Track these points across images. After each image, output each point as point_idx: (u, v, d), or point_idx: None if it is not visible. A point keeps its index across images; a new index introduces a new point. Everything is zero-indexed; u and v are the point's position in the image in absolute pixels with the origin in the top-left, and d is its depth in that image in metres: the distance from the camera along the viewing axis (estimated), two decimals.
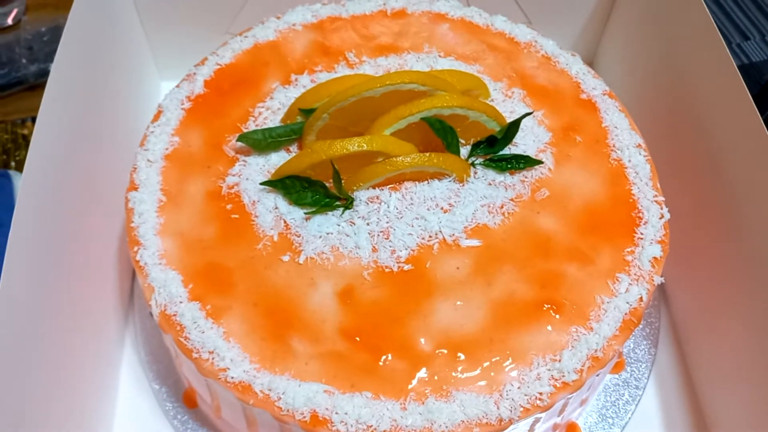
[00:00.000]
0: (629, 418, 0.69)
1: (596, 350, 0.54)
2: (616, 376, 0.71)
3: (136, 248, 0.58)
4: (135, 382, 0.70)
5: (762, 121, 0.61)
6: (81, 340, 0.64)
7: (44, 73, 0.94)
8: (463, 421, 0.51)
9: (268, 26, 0.73)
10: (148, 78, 0.91)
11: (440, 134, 0.61)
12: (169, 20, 0.88)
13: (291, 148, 0.64)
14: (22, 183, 0.54)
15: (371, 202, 0.60)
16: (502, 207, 0.61)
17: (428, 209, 0.60)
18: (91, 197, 0.68)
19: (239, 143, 0.63)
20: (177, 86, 0.68)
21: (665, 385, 0.73)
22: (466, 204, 0.60)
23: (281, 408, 0.51)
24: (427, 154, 0.60)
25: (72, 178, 0.64)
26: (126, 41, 0.83)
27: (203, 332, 0.54)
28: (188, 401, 0.68)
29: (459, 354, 0.54)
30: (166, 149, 0.64)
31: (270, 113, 0.67)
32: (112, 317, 0.71)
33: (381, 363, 0.53)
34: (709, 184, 0.69)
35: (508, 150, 0.64)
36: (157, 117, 0.66)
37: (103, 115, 0.73)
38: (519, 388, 0.52)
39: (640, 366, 0.72)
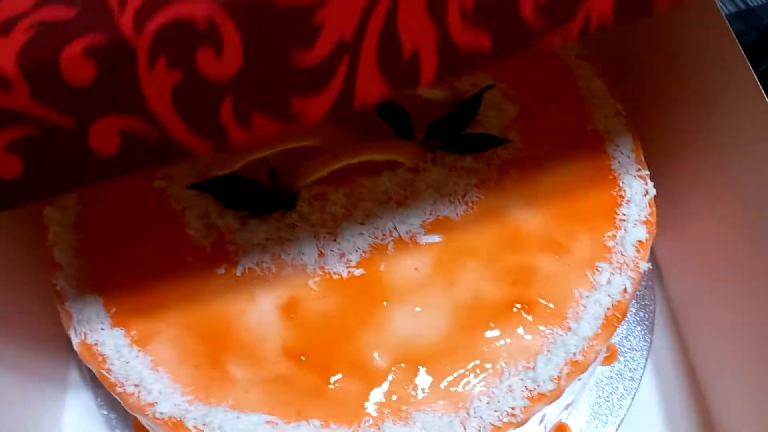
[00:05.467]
0: (625, 415, 0.64)
1: (575, 353, 0.49)
2: (609, 368, 0.65)
3: (52, 270, 0.52)
4: (82, 407, 0.65)
5: (756, 77, 0.53)
6: (19, 363, 0.59)
7: None
8: None
9: None
10: None
11: (387, 118, 0.53)
12: None
13: None
14: None
15: (315, 200, 0.54)
16: (464, 195, 0.55)
17: (380, 204, 0.54)
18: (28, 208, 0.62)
19: None
20: None
21: (664, 374, 0.67)
22: (423, 195, 0.54)
23: None
24: (375, 142, 0.53)
25: None
26: None
27: (127, 362, 0.48)
28: (140, 428, 0.62)
29: (419, 368, 0.49)
30: None
31: None
32: (54, 337, 0.65)
33: (331, 385, 0.48)
34: (701, 151, 0.62)
35: (469, 129, 0.57)
36: None
37: None
38: (488, 403, 0.47)
39: (635, 355, 0.66)
